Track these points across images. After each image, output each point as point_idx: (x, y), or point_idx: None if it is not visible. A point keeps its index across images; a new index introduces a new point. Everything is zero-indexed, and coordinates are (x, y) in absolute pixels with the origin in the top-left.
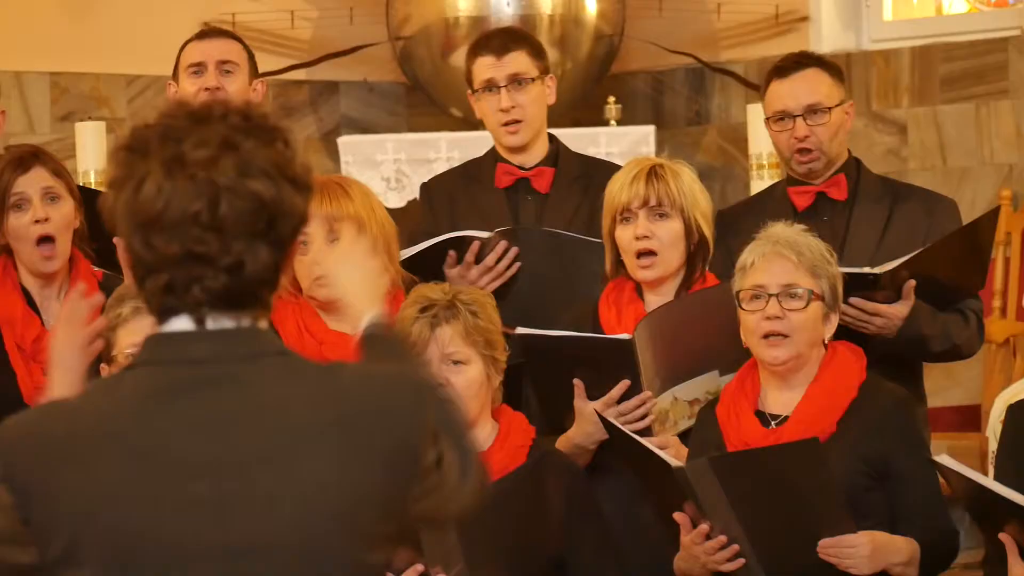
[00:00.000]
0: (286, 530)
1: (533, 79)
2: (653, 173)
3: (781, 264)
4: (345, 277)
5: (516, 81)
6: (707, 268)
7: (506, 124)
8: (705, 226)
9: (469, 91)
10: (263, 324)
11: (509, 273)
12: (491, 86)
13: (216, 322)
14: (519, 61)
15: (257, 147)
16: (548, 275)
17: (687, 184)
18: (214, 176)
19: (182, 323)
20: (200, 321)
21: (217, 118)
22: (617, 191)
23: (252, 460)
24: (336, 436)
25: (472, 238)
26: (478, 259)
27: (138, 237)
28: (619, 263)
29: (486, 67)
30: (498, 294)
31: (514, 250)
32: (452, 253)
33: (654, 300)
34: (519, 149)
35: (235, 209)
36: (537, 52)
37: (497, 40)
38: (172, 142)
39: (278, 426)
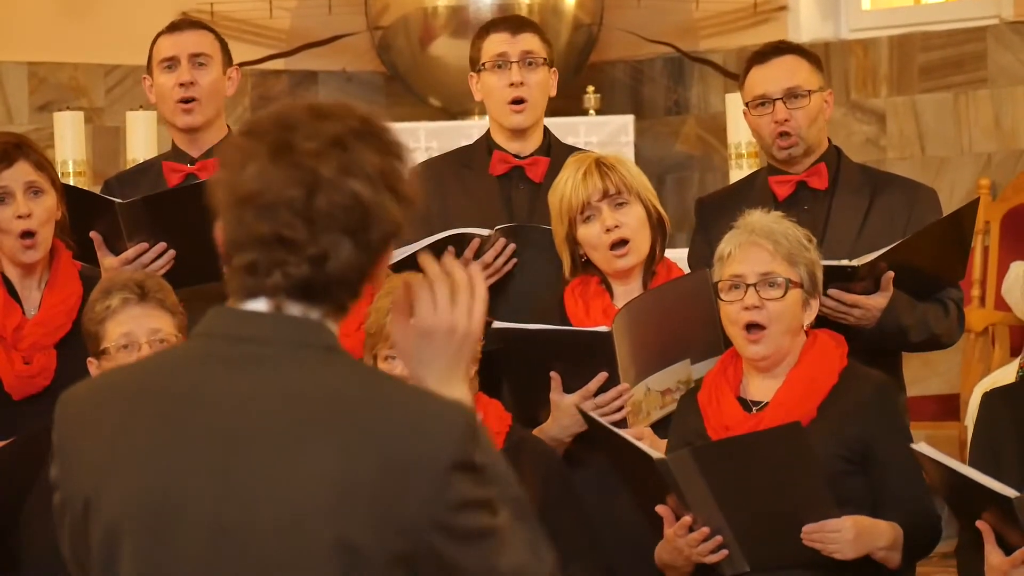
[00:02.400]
0: (276, 516)
1: (544, 60)
2: (601, 165)
3: (758, 253)
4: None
5: (528, 60)
6: (664, 251)
7: (513, 102)
8: (659, 206)
9: (472, 72)
10: (331, 325)
11: (505, 269)
12: (503, 61)
13: (286, 309)
14: (532, 41)
15: (367, 152)
16: (544, 271)
17: (634, 170)
18: (318, 167)
19: (259, 304)
20: (277, 307)
21: (336, 117)
22: (571, 192)
23: (264, 442)
24: (353, 436)
25: (472, 235)
26: (476, 255)
27: (232, 213)
28: (580, 266)
29: (499, 42)
30: (494, 290)
31: (512, 247)
32: (451, 249)
33: (621, 290)
34: (517, 135)
35: (330, 202)
36: (547, 40)
37: (512, 20)
38: (285, 129)
39: (298, 414)
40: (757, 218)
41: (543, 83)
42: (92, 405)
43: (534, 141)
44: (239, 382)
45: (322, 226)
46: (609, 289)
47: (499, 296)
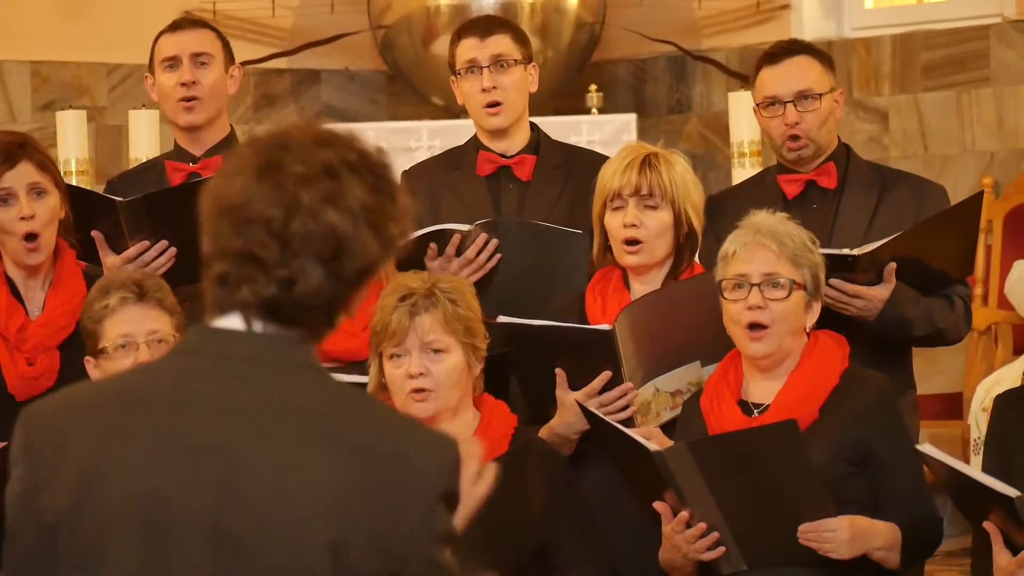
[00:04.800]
0: (277, 522)
1: (516, 61)
2: (647, 162)
3: (762, 254)
4: None
5: (498, 63)
6: (695, 258)
7: (488, 106)
8: (695, 218)
9: (452, 77)
10: (309, 347)
11: (490, 265)
12: (474, 67)
13: (263, 328)
14: (502, 43)
15: (356, 186)
16: (529, 266)
17: (680, 175)
18: (300, 192)
19: (233, 322)
20: (248, 322)
21: (336, 146)
22: (610, 177)
23: (260, 456)
24: (351, 450)
25: (452, 231)
26: (459, 252)
27: (212, 222)
28: (607, 248)
29: (469, 48)
30: (479, 285)
31: (494, 242)
32: (433, 246)
33: (640, 289)
34: (500, 135)
35: (305, 229)
36: (521, 38)
37: (481, 23)
38: (281, 149)
39: (292, 431)
40: (763, 218)
41: (518, 83)
42: (67, 420)
43: (520, 140)
44: (229, 394)
45: (294, 251)
46: (629, 286)
47: (482, 291)
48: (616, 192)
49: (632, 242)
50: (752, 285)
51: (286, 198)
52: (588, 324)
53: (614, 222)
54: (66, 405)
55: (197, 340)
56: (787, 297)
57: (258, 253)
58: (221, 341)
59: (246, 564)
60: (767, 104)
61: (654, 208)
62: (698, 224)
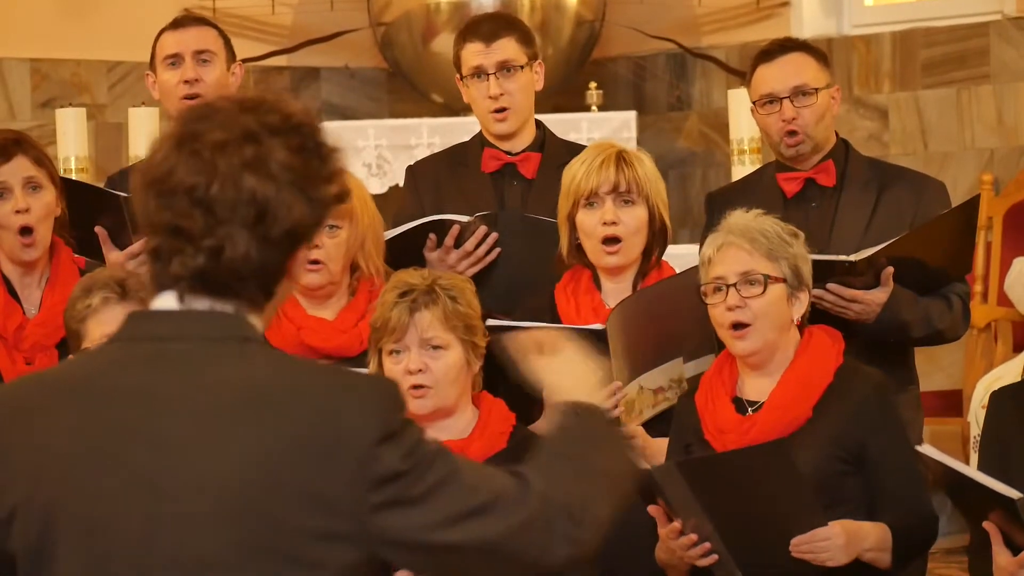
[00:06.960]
0: (212, 508)
1: (522, 66)
2: (621, 159)
3: (735, 254)
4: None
5: (505, 68)
6: (663, 256)
7: (494, 111)
8: (665, 213)
9: (457, 76)
10: (250, 318)
11: (489, 258)
12: (480, 73)
13: (194, 303)
14: (508, 48)
15: (278, 148)
16: (528, 260)
17: (651, 171)
18: (216, 159)
19: (168, 301)
20: (181, 299)
21: (259, 111)
22: (584, 176)
23: (187, 437)
24: (274, 420)
25: (452, 222)
26: (458, 243)
27: (139, 197)
28: (578, 248)
29: (475, 54)
30: (477, 279)
31: (494, 235)
32: (432, 236)
33: (611, 288)
34: (507, 135)
35: (225, 195)
36: (526, 38)
37: (486, 26)
38: (202, 119)
39: (215, 407)
40: (736, 218)
41: (525, 87)
42: (16, 411)
43: (525, 138)
44: (162, 381)
45: (219, 218)
46: (599, 286)
47: (481, 284)
48: (592, 190)
49: (612, 240)
50: (729, 286)
51: (205, 166)
52: (563, 324)
53: (590, 220)
54: (9, 401)
55: (134, 326)
56: (763, 293)
57: (183, 224)
58: (155, 323)
59: (184, 548)
60: (764, 102)
61: (631, 204)
62: (667, 219)
